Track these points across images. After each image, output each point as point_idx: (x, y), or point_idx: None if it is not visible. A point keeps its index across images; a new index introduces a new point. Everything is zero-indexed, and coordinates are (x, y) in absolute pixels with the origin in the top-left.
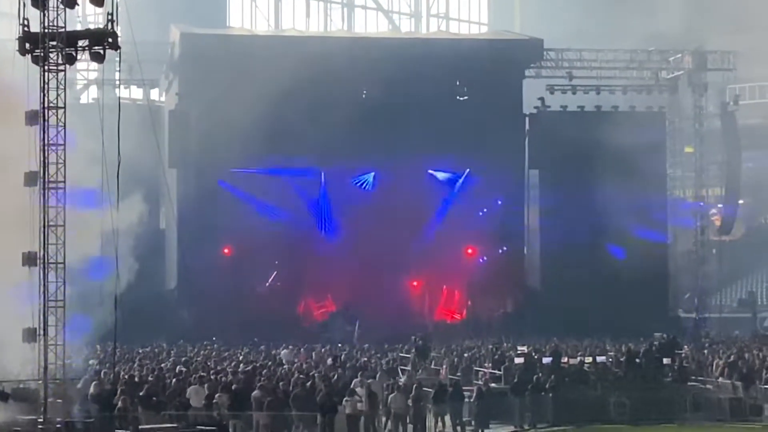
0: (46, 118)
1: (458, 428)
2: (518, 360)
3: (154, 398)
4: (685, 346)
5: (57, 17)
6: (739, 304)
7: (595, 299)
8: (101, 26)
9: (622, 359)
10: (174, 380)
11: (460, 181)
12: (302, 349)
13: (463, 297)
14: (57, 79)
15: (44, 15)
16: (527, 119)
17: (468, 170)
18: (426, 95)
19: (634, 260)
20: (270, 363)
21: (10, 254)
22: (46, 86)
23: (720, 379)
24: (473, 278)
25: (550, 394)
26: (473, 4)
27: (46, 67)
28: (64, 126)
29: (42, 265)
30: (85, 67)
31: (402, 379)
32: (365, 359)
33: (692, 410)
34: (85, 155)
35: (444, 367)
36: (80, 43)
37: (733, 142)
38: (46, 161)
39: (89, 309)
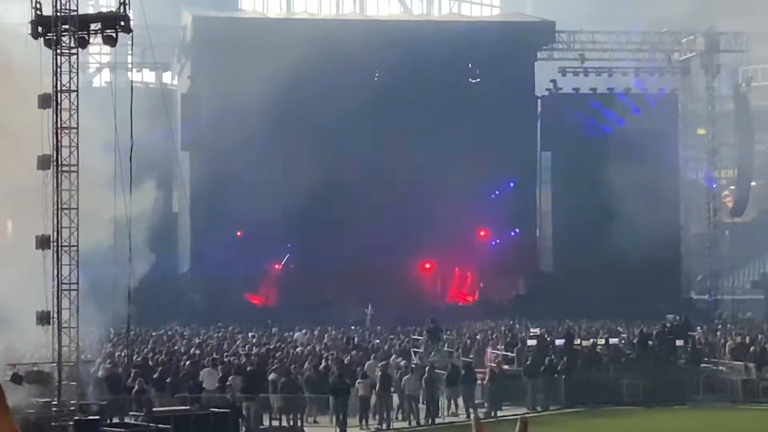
0: (59, 101)
1: (471, 410)
2: (531, 342)
3: (168, 381)
4: (698, 328)
5: (69, 1)
6: (752, 286)
7: (607, 281)
8: (113, 10)
9: (634, 341)
10: (187, 363)
11: None
12: (315, 332)
13: (475, 279)
14: (69, 62)
15: None
16: (539, 101)
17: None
18: (438, 78)
19: (646, 242)
20: (283, 345)
21: (23, 237)
22: (58, 70)
23: (732, 361)
24: (485, 260)
25: (563, 376)
26: None
27: (58, 51)
28: (77, 109)
29: (55, 248)
30: (97, 51)
31: (415, 361)
32: (378, 341)
33: (705, 392)
34: (97, 139)
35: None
36: (92, 26)
37: (746, 124)
38: (59, 144)
39: (102, 298)
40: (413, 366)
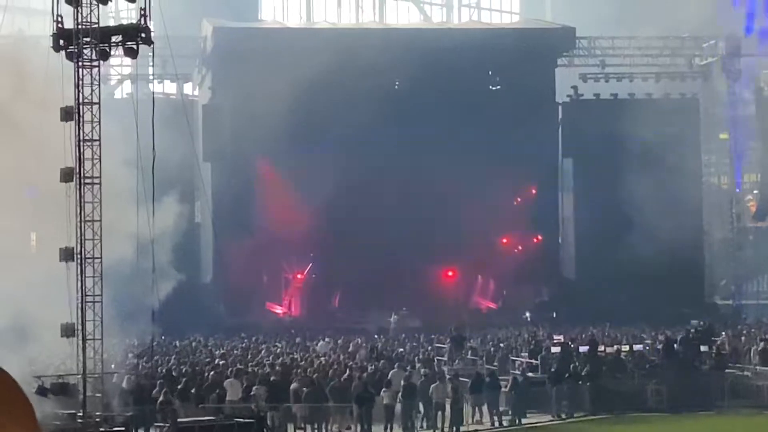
0: (81, 113)
1: (495, 418)
2: (555, 349)
3: (192, 391)
4: (723, 333)
5: (90, 13)
6: None
7: (630, 287)
8: (134, 22)
9: (659, 347)
10: (211, 373)
11: None
12: (338, 341)
13: (498, 286)
14: (91, 75)
15: (78, 11)
16: (560, 108)
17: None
18: (458, 85)
19: (669, 247)
20: (307, 355)
21: (47, 250)
22: (80, 82)
23: (758, 366)
24: (508, 268)
25: (587, 383)
26: None
27: (80, 63)
28: (99, 122)
29: (79, 261)
30: (118, 63)
31: (441, 369)
32: (401, 350)
33: (730, 397)
34: (119, 151)
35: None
36: (113, 38)
37: None
38: (82, 157)
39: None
40: (440, 374)
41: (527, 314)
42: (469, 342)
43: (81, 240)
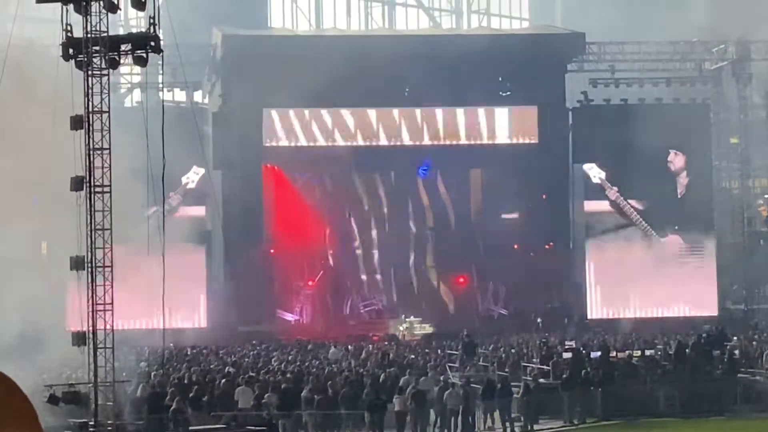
0: (91, 122)
1: (507, 424)
2: (566, 355)
3: (204, 399)
4: (735, 338)
5: (99, 22)
6: None
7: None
8: (143, 30)
9: (671, 352)
10: (223, 381)
11: None
12: (350, 348)
13: (509, 292)
14: (101, 83)
15: (87, 20)
16: (570, 113)
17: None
18: (468, 92)
19: (680, 252)
20: (318, 362)
21: (58, 258)
22: (90, 91)
23: None
24: (519, 274)
25: (599, 389)
26: (514, 0)
27: (89, 72)
28: (109, 130)
29: (90, 269)
30: (128, 71)
31: (452, 376)
32: (413, 357)
33: (742, 402)
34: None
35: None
36: (123, 47)
37: None
38: (92, 166)
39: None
40: (452, 381)
41: (539, 320)
42: (480, 348)
43: (91, 248)
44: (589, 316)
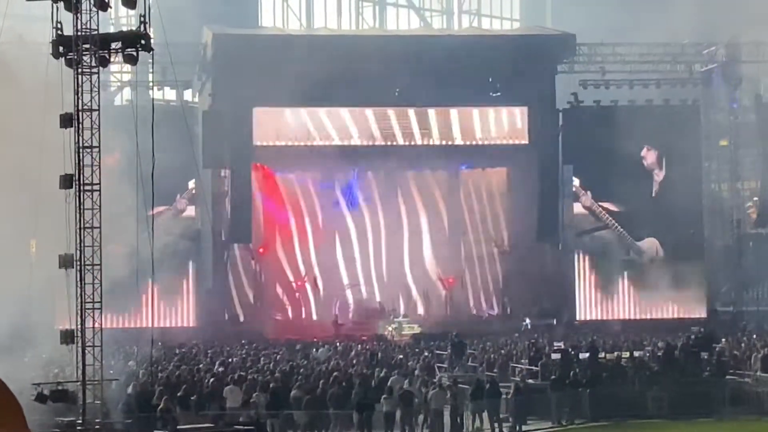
0: (81, 120)
1: (496, 425)
2: (555, 356)
3: (192, 398)
4: (723, 340)
5: (90, 20)
6: None
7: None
8: (134, 28)
9: (659, 354)
10: (211, 380)
11: None
12: (338, 348)
13: (499, 293)
14: (90, 81)
15: (77, 18)
16: (560, 114)
17: None
18: (459, 92)
19: (670, 253)
20: (307, 362)
21: (47, 257)
22: (80, 89)
23: (758, 373)
24: (509, 274)
25: (588, 390)
26: (505, 0)
27: (79, 70)
28: (99, 128)
29: (78, 267)
30: (118, 69)
31: (441, 377)
32: (401, 357)
33: (730, 404)
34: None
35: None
36: (113, 45)
37: None
38: (81, 163)
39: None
40: (441, 382)
41: (527, 321)
42: (469, 349)
43: (80, 247)
44: (578, 318)
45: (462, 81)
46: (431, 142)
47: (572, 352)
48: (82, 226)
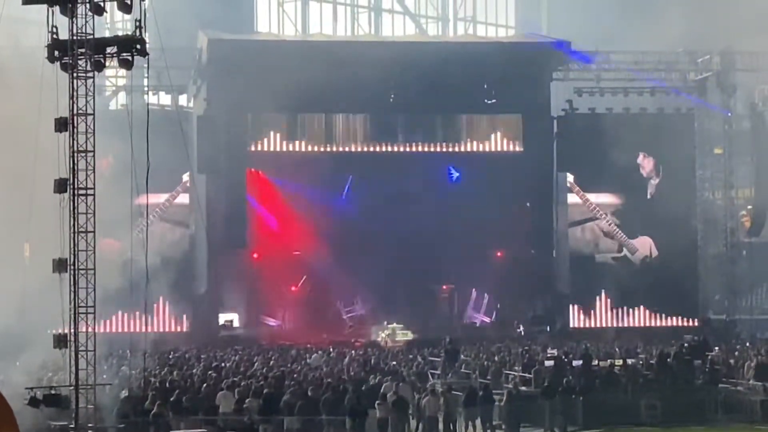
0: (75, 124)
1: None
2: (548, 363)
3: (185, 403)
4: (716, 348)
5: (85, 24)
6: None
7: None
8: (129, 33)
9: (652, 361)
10: (204, 385)
11: None
12: (332, 354)
13: (492, 300)
14: (86, 85)
15: (73, 22)
16: (555, 122)
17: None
18: (453, 99)
19: (664, 262)
20: (300, 368)
21: (40, 261)
22: (75, 93)
23: (751, 381)
24: (502, 281)
25: (581, 397)
26: (500, 7)
27: (74, 74)
28: (93, 132)
29: (72, 272)
30: (113, 74)
31: (434, 383)
32: (394, 363)
33: (723, 412)
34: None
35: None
36: (108, 49)
37: (762, 143)
38: (76, 168)
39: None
40: (434, 388)
41: (521, 328)
42: (462, 355)
43: (74, 251)
44: (571, 325)
45: (457, 88)
46: (426, 149)
47: (565, 360)
48: (76, 230)
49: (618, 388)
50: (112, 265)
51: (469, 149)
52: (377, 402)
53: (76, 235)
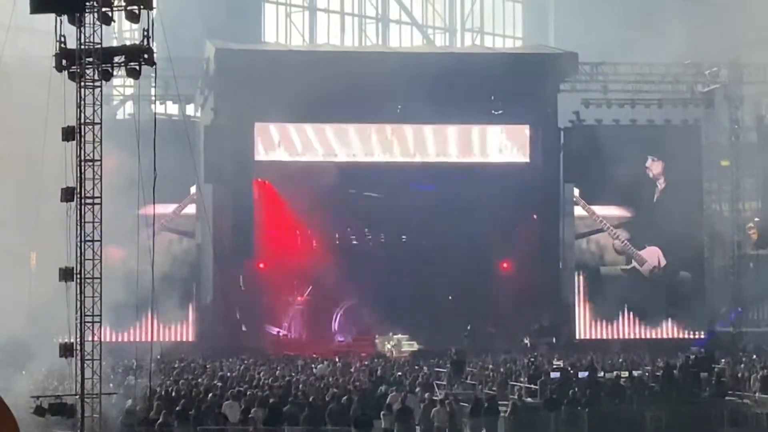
0: (83, 134)
1: None
2: (554, 374)
3: (191, 413)
4: (723, 361)
5: (93, 34)
6: None
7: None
8: (137, 42)
9: (658, 373)
10: (210, 395)
11: None
12: (337, 364)
13: (498, 311)
14: (93, 95)
15: (80, 32)
16: (562, 133)
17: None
18: (461, 110)
19: (670, 274)
20: (305, 378)
21: (47, 269)
22: (82, 102)
23: (757, 394)
24: (508, 292)
25: (586, 409)
26: (508, 18)
27: (82, 84)
28: (101, 142)
29: (79, 281)
30: (121, 83)
31: (441, 394)
32: (400, 374)
33: (729, 425)
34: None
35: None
36: (116, 59)
37: None
38: (83, 177)
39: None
40: (441, 399)
41: (526, 339)
42: (468, 366)
43: (81, 260)
44: (577, 336)
45: (464, 98)
46: (432, 160)
47: (571, 371)
48: (82, 239)
49: (623, 400)
50: (119, 274)
51: (475, 160)
52: (382, 412)
53: (82, 244)
